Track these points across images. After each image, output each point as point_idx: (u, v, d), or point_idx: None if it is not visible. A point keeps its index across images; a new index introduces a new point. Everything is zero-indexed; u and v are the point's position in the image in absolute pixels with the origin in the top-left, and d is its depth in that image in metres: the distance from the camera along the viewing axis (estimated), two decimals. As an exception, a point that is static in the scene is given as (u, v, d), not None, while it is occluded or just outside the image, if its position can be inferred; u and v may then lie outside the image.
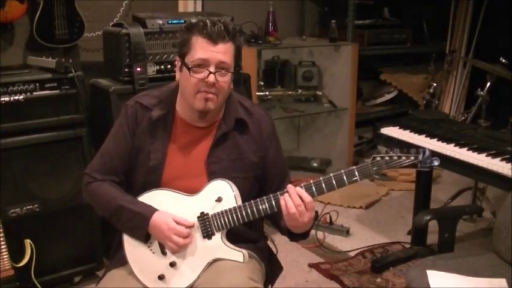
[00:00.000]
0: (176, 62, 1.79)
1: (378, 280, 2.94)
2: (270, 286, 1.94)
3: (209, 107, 1.74)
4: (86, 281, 2.88)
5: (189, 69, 1.70)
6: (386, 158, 1.64)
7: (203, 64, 1.69)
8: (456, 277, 1.94)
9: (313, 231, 3.34)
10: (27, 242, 2.50)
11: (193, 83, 1.71)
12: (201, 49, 1.69)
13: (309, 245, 3.30)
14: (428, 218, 2.34)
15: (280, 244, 3.05)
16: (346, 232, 3.46)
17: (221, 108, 1.82)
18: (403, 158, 1.63)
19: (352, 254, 3.24)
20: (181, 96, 1.80)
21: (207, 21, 1.71)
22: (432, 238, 3.07)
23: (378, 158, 1.64)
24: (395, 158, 1.63)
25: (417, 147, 1.66)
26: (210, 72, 1.69)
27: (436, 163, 1.64)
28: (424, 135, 2.88)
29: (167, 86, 1.90)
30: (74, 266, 2.80)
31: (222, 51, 1.70)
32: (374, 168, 1.63)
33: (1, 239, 2.37)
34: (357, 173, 1.64)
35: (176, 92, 1.83)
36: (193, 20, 1.74)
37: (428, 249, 3.07)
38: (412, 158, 1.63)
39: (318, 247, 3.30)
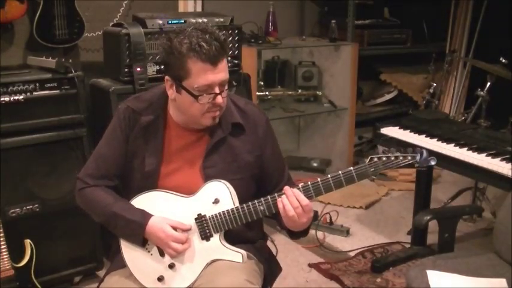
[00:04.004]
0: (167, 81, 1.72)
1: (378, 280, 2.94)
2: (268, 287, 1.94)
3: (217, 122, 1.75)
4: (86, 281, 2.88)
5: (195, 96, 1.66)
6: (384, 158, 1.63)
7: (208, 89, 1.67)
8: (456, 277, 1.94)
9: (313, 231, 3.34)
10: (27, 242, 2.50)
11: (198, 108, 1.69)
12: (204, 75, 1.64)
13: (309, 245, 3.30)
14: (428, 218, 2.34)
15: (280, 244, 3.05)
16: (346, 232, 3.46)
17: None
18: (400, 158, 1.63)
19: (352, 254, 3.24)
20: (179, 111, 1.77)
21: (200, 41, 1.62)
22: (432, 238, 3.07)
23: (375, 159, 1.64)
24: (392, 158, 1.63)
25: (414, 147, 1.66)
26: (216, 94, 1.67)
27: (432, 163, 1.64)
28: (424, 135, 2.88)
29: (158, 87, 1.86)
30: (74, 266, 2.80)
31: (222, 70, 1.67)
32: (371, 169, 1.63)
33: (1, 239, 2.37)
34: (354, 174, 1.64)
35: (166, 95, 1.78)
36: (184, 41, 1.63)
37: (428, 249, 3.08)
38: (409, 158, 1.63)
39: (318, 247, 3.29)
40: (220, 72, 1.67)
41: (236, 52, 3.11)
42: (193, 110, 1.71)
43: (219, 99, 1.68)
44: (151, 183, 1.78)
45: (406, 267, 3.00)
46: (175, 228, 1.71)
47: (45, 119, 2.63)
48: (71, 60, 3.07)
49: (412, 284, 1.96)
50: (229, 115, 1.81)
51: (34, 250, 2.49)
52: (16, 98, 2.53)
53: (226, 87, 1.71)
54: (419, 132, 2.91)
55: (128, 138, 1.81)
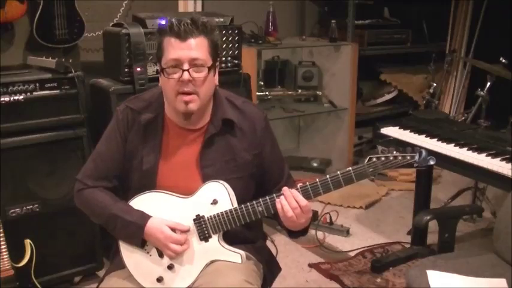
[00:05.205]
0: (158, 68, 1.77)
1: (378, 280, 2.94)
2: (268, 287, 1.93)
3: (191, 109, 1.71)
4: (86, 281, 2.88)
5: (163, 71, 1.69)
6: (383, 158, 1.62)
7: (176, 64, 1.67)
8: (456, 277, 1.94)
9: (313, 231, 3.34)
10: (27, 242, 2.50)
11: (171, 86, 1.69)
12: (172, 49, 1.67)
13: (309, 245, 3.30)
14: (428, 218, 2.34)
15: (280, 244, 3.05)
16: (346, 232, 3.46)
17: (208, 109, 1.79)
18: (399, 158, 1.62)
19: (352, 254, 3.24)
20: (166, 100, 1.79)
21: (174, 21, 1.68)
22: (432, 238, 3.07)
23: (374, 159, 1.63)
24: (391, 158, 1.62)
25: (413, 146, 1.65)
26: (183, 70, 1.66)
27: (432, 162, 1.63)
28: (424, 135, 2.88)
29: (157, 87, 1.86)
30: (74, 266, 2.80)
31: (194, 47, 1.67)
32: (370, 170, 1.63)
33: (1, 239, 2.37)
34: (353, 175, 1.63)
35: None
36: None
37: (428, 249, 3.07)
38: (408, 158, 1.62)
39: (318, 247, 3.29)
40: (191, 50, 1.67)
41: (236, 52, 3.11)
42: (167, 91, 1.71)
43: (186, 75, 1.66)
44: (149, 182, 1.78)
45: (406, 267, 3.00)
46: (174, 230, 1.71)
47: (45, 119, 2.63)
48: (71, 60, 3.08)
49: (412, 284, 1.96)
50: (221, 112, 1.80)
51: (34, 250, 2.49)
52: (16, 98, 2.53)
53: (204, 71, 1.68)
54: (420, 132, 2.91)
55: (126, 139, 1.82)
